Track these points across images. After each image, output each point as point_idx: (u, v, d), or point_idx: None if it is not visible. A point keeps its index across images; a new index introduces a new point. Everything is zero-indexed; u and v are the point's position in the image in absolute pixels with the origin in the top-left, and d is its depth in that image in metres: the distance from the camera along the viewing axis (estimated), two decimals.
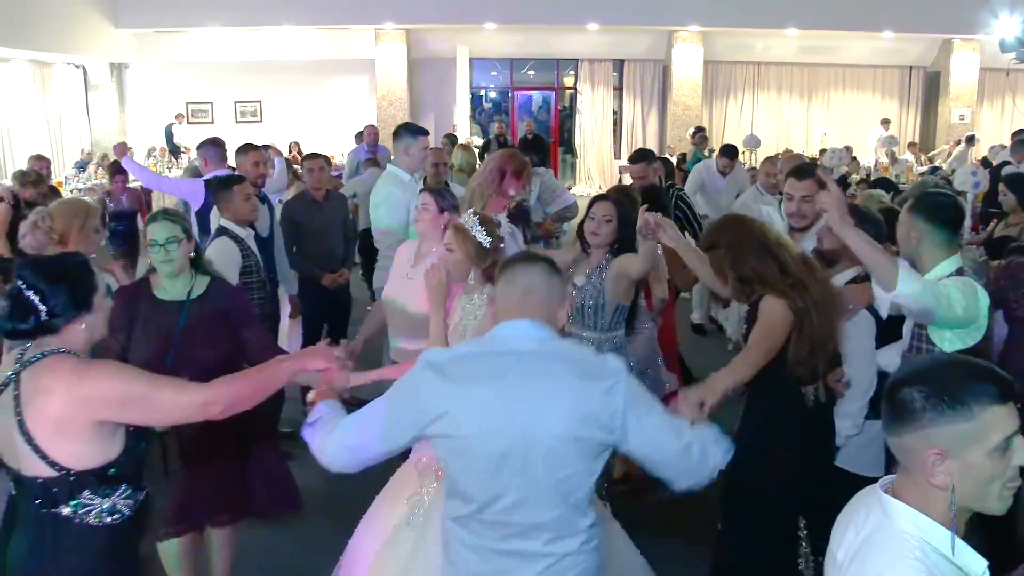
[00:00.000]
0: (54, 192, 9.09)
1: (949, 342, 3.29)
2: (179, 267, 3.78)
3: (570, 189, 13.21)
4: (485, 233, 3.39)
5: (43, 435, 2.48)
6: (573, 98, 21.29)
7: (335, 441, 2.53)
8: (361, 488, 3.84)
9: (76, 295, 2.59)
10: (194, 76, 19.72)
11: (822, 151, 15.89)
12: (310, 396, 2.79)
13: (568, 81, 21.45)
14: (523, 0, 17.90)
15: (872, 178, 12.72)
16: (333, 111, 18.79)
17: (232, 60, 19.30)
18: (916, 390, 1.77)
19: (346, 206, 7.60)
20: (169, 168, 16.31)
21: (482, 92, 22.21)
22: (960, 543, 1.78)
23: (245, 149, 6.66)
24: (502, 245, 3.42)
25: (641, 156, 7.06)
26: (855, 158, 15.72)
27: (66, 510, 2.52)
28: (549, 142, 19.40)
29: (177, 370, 3.16)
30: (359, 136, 12.42)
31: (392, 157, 6.64)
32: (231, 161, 7.09)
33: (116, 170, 10.29)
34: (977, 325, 3.28)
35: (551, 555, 2.41)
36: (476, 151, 11.77)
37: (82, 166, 15.61)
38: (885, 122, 19.26)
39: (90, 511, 2.55)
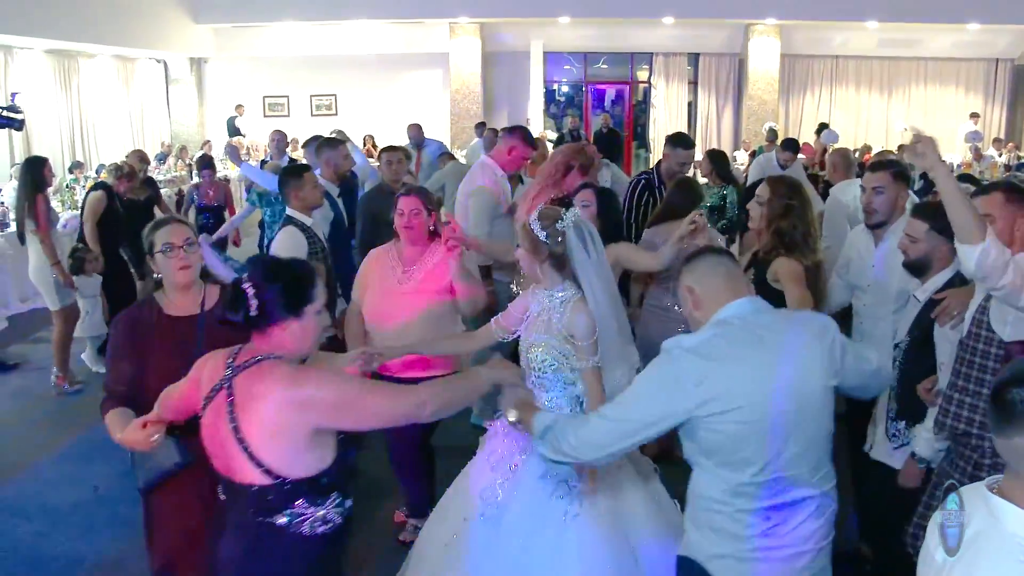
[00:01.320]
0: (151, 184, 9.29)
1: (1012, 329, 3.10)
2: (195, 274, 3.44)
3: None
4: (541, 227, 3.44)
5: (258, 442, 2.48)
6: (647, 92, 21.09)
7: (591, 440, 2.67)
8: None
9: (288, 298, 2.57)
10: (271, 70, 20.06)
11: (900, 147, 15.48)
12: (511, 416, 3.02)
13: (642, 75, 21.26)
14: None
15: (956, 175, 12.38)
16: (407, 105, 18.87)
17: (308, 54, 19.60)
18: None
19: None
20: (245, 158, 16.54)
21: (555, 86, 22.11)
22: None
23: (335, 143, 6.74)
24: (560, 239, 3.42)
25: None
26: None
27: (281, 520, 2.53)
28: (623, 136, 19.33)
29: None
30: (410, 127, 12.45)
31: (461, 150, 6.61)
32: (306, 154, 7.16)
33: (203, 164, 10.51)
34: None
35: (816, 496, 2.66)
36: (550, 145, 11.82)
37: (162, 158, 15.98)
38: (974, 116, 18.60)
39: (304, 520, 2.55)
